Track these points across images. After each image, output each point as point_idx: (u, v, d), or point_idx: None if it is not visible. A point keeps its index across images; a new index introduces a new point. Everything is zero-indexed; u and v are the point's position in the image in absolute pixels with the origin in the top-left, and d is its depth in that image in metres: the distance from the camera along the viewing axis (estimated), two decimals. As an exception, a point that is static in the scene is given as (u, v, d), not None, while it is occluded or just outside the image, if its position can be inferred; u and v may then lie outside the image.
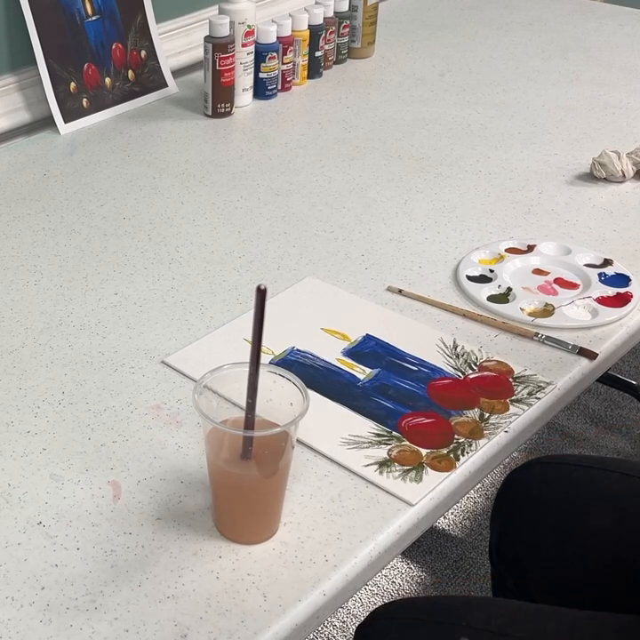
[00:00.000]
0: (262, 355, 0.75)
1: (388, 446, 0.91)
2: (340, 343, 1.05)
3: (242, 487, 0.80)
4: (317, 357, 1.03)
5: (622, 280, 1.16)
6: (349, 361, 1.03)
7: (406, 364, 1.02)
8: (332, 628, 1.69)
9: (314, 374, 1.00)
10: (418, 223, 1.29)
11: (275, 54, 1.61)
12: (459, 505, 1.92)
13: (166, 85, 1.65)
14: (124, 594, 0.77)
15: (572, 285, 1.16)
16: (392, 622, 1.00)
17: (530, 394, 0.98)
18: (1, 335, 1.06)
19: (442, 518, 1.87)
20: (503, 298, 1.13)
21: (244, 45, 1.56)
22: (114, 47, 1.56)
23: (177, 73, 1.68)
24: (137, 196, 1.35)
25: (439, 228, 1.28)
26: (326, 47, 1.73)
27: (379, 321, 1.09)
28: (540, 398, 0.98)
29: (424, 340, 1.06)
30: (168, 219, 1.29)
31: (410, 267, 1.20)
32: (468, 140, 1.52)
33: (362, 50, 1.81)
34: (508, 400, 0.97)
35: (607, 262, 1.19)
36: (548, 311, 1.10)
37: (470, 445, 0.92)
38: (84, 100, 1.53)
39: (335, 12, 1.73)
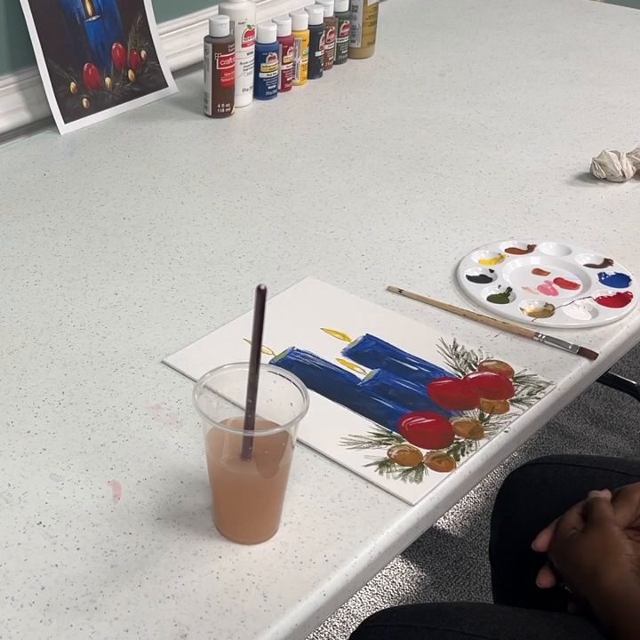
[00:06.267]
0: (262, 355, 0.75)
1: (388, 446, 0.91)
2: (340, 343, 1.05)
3: (242, 487, 0.80)
4: (317, 357, 1.03)
5: (622, 280, 1.16)
6: (349, 361, 1.03)
7: (406, 364, 1.02)
8: (331, 628, 1.69)
9: (314, 374, 1.00)
10: (418, 223, 1.29)
11: (275, 54, 1.61)
12: (459, 505, 1.92)
13: (166, 85, 1.65)
14: (124, 594, 0.77)
15: (572, 285, 1.16)
16: (385, 629, 1.00)
17: (530, 394, 0.98)
18: (1, 335, 1.06)
19: (442, 518, 1.87)
20: (503, 298, 1.13)
21: (244, 45, 1.56)
22: (114, 47, 1.56)
23: (177, 73, 1.68)
24: (137, 196, 1.35)
25: (439, 228, 1.28)
26: (326, 47, 1.73)
27: (379, 321, 1.09)
28: (540, 398, 0.98)
29: (424, 339, 1.06)
30: (168, 219, 1.29)
31: (410, 267, 1.20)
32: (468, 140, 1.52)
33: (362, 50, 1.81)
34: (507, 400, 0.97)
35: (607, 262, 1.19)
36: (548, 311, 1.10)
37: (470, 445, 0.92)
38: (84, 100, 1.53)
39: (335, 12, 1.73)
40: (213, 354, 1.03)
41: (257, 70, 1.61)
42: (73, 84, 1.51)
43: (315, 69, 1.72)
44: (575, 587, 0.97)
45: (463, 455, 0.91)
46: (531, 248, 1.22)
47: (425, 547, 1.84)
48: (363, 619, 1.18)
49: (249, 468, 0.78)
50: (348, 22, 1.76)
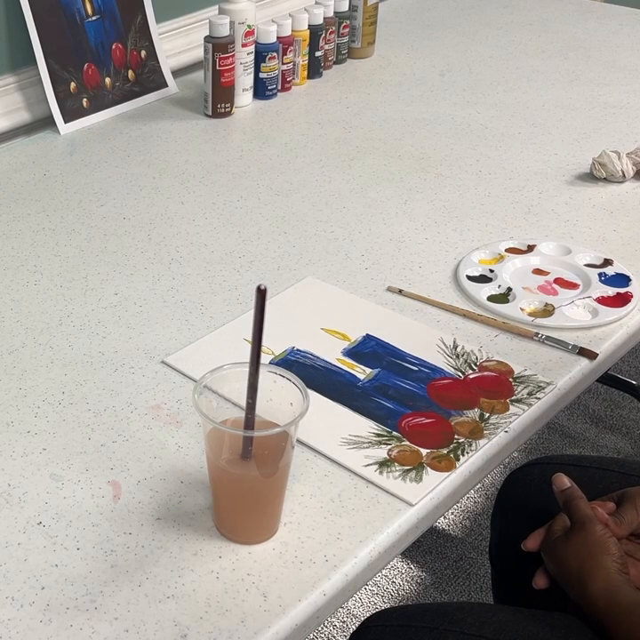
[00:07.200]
0: (262, 355, 0.75)
1: (388, 446, 0.91)
2: (340, 343, 1.05)
3: (242, 487, 0.80)
4: (317, 357, 1.03)
5: (622, 280, 1.16)
6: (349, 361, 1.03)
7: (406, 364, 1.02)
8: (331, 628, 1.69)
9: (314, 374, 1.00)
10: (418, 223, 1.29)
11: (275, 54, 1.61)
12: (459, 505, 1.92)
13: (166, 85, 1.65)
14: (124, 594, 0.77)
15: (572, 285, 1.16)
16: (385, 629, 1.00)
17: (530, 394, 0.98)
18: (1, 335, 1.06)
19: (442, 518, 1.87)
20: (503, 298, 1.13)
21: (244, 45, 1.56)
22: (114, 47, 1.56)
23: (177, 73, 1.68)
24: (137, 196, 1.35)
25: (439, 228, 1.28)
26: (326, 47, 1.73)
27: (379, 321, 1.09)
28: (540, 398, 0.98)
29: (424, 340, 1.06)
30: (168, 219, 1.29)
31: (410, 267, 1.20)
32: (468, 140, 1.52)
33: (362, 50, 1.81)
34: (507, 400, 0.97)
35: (607, 262, 1.19)
36: (548, 311, 1.10)
37: (470, 445, 0.92)
38: (84, 100, 1.53)
39: (335, 12, 1.73)
40: (213, 354, 1.03)
41: (257, 70, 1.61)
42: (73, 84, 1.51)
43: (315, 69, 1.72)
44: (566, 590, 0.98)
45: (463, 455, 0.91)
46: (531, 248, 1.22)
47: (425, 547, 1.84)
48: (363, 619, 1.18)
49: (249, 468, 0.78)
50: (348, 22, 1.76)
